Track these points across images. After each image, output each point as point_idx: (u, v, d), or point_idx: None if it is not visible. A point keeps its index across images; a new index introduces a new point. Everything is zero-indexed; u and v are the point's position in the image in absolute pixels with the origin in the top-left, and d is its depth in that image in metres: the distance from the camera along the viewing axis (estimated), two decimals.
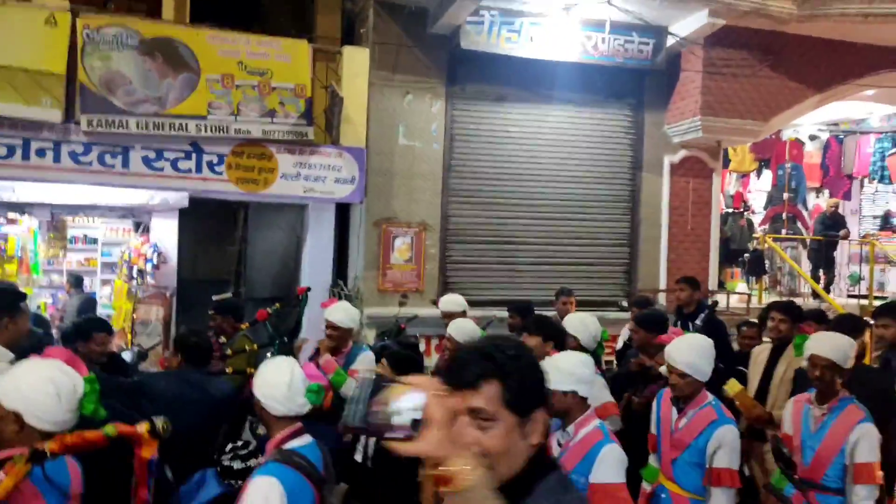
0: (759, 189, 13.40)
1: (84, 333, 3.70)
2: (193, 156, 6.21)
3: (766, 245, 10.67)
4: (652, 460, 3.49)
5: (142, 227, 7.57)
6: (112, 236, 8.32)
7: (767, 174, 12.89)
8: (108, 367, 3.76)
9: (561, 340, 3.84)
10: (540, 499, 1.28)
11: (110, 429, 2.08)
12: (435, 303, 6.33)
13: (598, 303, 7.93)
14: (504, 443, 1.28)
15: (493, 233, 8.12)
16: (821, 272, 10.89)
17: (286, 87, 6.31)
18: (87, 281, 7.93)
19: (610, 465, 2.58)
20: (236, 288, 8.07)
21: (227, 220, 8.14)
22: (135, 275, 7.29)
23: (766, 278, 10.68)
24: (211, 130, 6.10)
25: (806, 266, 11.25)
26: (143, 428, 2.18)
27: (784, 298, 9.14)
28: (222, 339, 4.81)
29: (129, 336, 7.17)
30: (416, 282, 7.71)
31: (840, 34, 8.10)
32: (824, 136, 13.00)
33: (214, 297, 4.93)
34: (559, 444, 2.81)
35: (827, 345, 3.34)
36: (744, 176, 13.16)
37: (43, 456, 1.87)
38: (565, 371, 2.78)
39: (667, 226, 8.51)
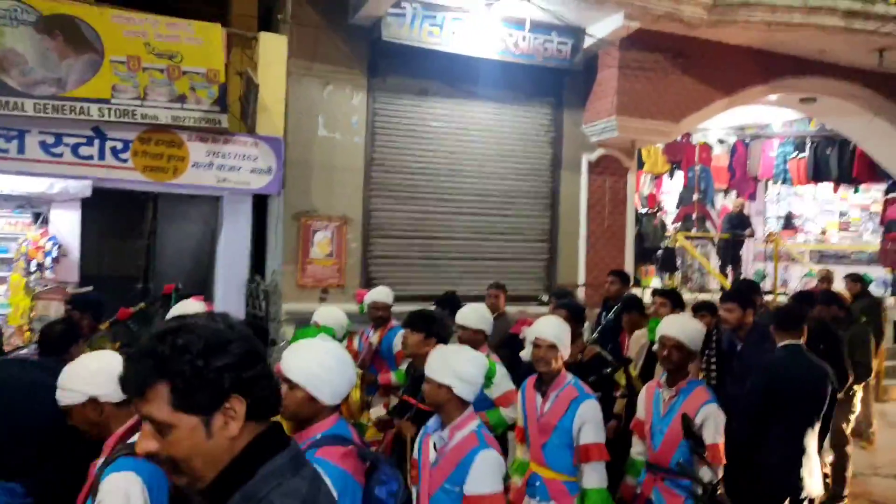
0: (671, 190, 13.96)
1: None
2: (96, 142, 5.86)
3: (678, 243, 11.10)
4: (520, 453, 3.48)
5: (41, 219, 7.08)
6: (9, 230, 7.72)
7: (679, 176, 13.44)
8: None
9: (444, 337, 3.65)
10: (261, 484, 1.16)
11: None
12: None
13: (519, 297, 8.00)
14: (187, 448, 1.17)
15: (416, 227, 8.07)
16: (728, 269, 11.42)
17: (198, 71, 6.05)
18: None
19: (484, 474, 2.42)
20: (144, 283, 7.68)
21: (134, 212, 7.74)
22: (33, 269, 6.80)
23: (678, 274, 11.11)
24: (115, 115, 5.77)
25: (715, 263, 11.78)
26: None
27: (695, 294, 9.54)
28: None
29: (28, 334, 6.69)
30: (338, 277, 7.56)
31: (746, 40, 8.52)
32: (731, 139, 13.68)
33: (71, 291, 4.67)
34: (435, 448, 2.64)
35: (676, 326, 3.43)
36: (657, 177, 13.67)
37: None
38: (444, 362, 2.59)
39: (585, 222, 8.70)
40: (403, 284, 7.91)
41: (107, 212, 7.27)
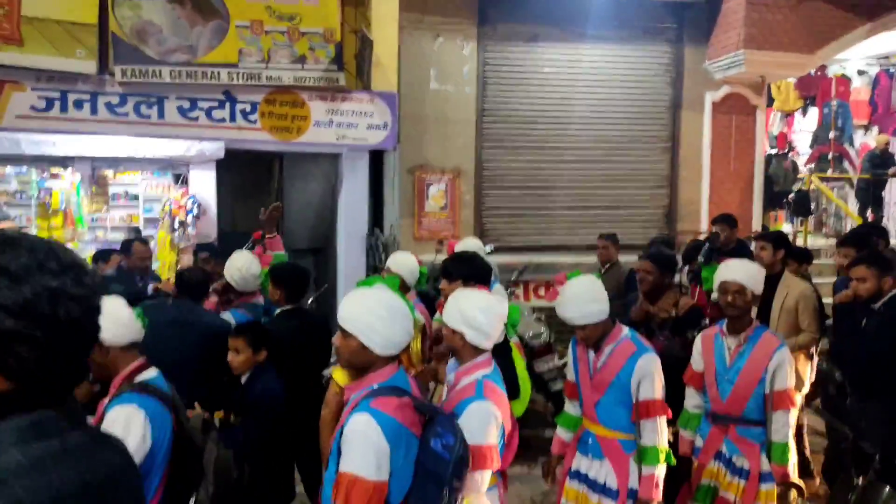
0: (804, 129, 12.94)
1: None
2: (227, 105, 6.22)
3: (812, 185, 10.33)
4: (569, 408, 3.32)
5: (181, 180, 7.65)
6: (152, 192, 8.40)
7: (813, 113, 12.42)
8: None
9: (474, 278, 3.37)
10: None
11: None
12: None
13: (637, 247, 7.80)
14: None
15: (529, 177, 8.02)
16: (869, 212, 10.53)
17: (315, 31, 6.24)
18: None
19: (472, 426, 2.28)
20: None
21: (263, 172, 8.19)
22: (176, 227, 7.40)
23: (811, 220, 10.38)
24: (243, 78, 6.09)
25: (853, 206, 10.89)
26: None
27: (831, 240, 8.90)
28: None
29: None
30: (452, 229, 7.69)
31: None
32: (873, 70, 12.42)
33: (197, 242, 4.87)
34: (447, 388, 2.62)
35: (737, 270, 3.25)
36: (788, 115, 12.71)
37: None
38: (456, 308, 2.50)
39: (708, 166, 8.29)
40: (516, 235, 7.94)
41: (239, 172, 7.74)
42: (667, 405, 2.95)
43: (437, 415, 2.04)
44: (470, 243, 5.18)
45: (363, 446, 1.89)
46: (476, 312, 2.45)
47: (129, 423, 2.19)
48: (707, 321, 3.92)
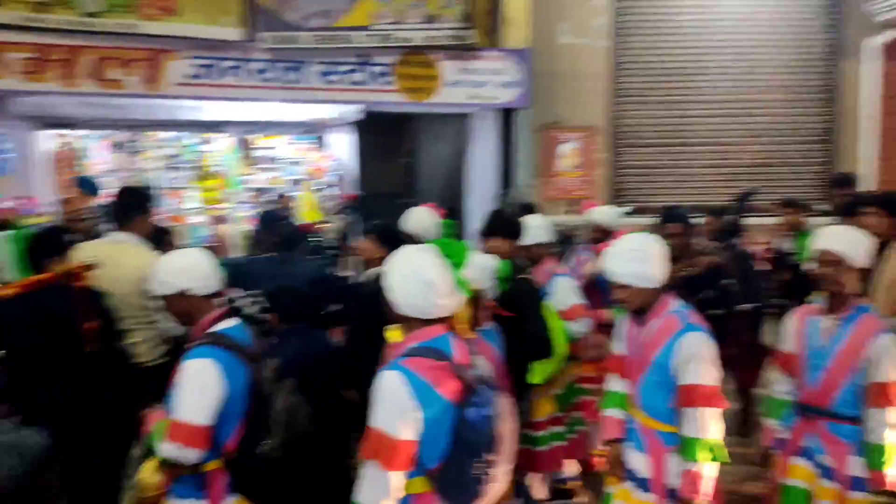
0: None
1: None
2: (364, 67, 6.38)
3: None
4: (617, 385, 2.94)
5: (322, 142, 7.99)
6: (294, 155, 8.83)
7: None
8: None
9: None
10: None
11: (58, 267, 2.88)
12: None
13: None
14: None
15: (667, 134, 7.64)
16: None
17: None
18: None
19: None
20: (407, 199, 8.35)
21: (396, 134, 8.38)
22: (318, 187, 7.77)
23: None
24: (376, 41, 6.21)
25: None
26: (78, 264, 2.92)
27: None
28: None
29: None
30: (585, 188, 7.50)
31: None
32: None
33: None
34: None
35: (836, 238, 2.79)
36: None
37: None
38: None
39: (876, 118, 7.47)
40: (654, 195, 7.61)
41: (375, 134, 7.96)
42: (720, 395, 2.53)
43: (480, 384, 2.00)
44: (604, 213, 5.07)
45: (389, 403, 1.89)
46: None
47: (203, 379, 2.30)
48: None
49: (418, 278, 1.98)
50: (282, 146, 8.53)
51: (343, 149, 7.67)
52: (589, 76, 7.30)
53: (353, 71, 6.36)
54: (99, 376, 3.05)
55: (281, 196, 7.56)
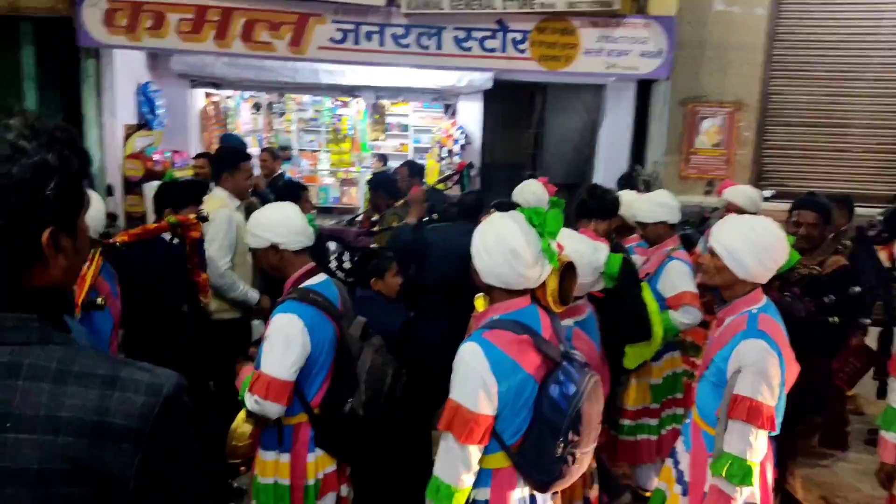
0: None
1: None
2: (499, 34, 6.26)
3: None
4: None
5: (450, 110, 8.01)
6: (422, 123, 8.93)
7: None
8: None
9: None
10: None
11: (171, 218, 2.92)
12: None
13: None
14: None
15: (823, 113, 7.01)
16: None
17: None
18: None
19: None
20: (532, 171, 8.22)
21: (525, 103, 8.22)
22: (444, 155, 7.81)
23: None
24: (517, 6, 6.06)
25: None
26: (192, 216, 2.96)
27: None
28: (374, 217, 4.81)
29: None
30: (725, 168, 7.04)
31: None
32: None
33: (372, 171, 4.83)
34: None
35: None
36: None
37: (113, 247, 2.59)
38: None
39: None
40: (802, 180, 7.03)
41: (502, 103, 7.88)
42: (769, 415, 2.16)
43: (565, 361, 1.87)
44: (742, 193, 4.63)
45: (467, 376, 1.81)
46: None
47: (288, 334, 2.32)
48: (858, 289, 3.19)
49: (504, 246, 1.85)
50: (412, 114, 8.63)
51: (470, 117, 7.63)
52: (741, 47, 6.79)
53: (487, 38, 6.26)
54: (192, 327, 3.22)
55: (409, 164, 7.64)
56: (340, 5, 6.05)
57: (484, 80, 7.13)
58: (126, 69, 6.58)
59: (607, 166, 7.39)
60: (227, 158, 3.73)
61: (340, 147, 8.34)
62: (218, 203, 3.54)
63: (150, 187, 5.85)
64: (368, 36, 6.18)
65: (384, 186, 4.91)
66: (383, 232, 4.33)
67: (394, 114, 8.87)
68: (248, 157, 3.79)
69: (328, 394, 2.46)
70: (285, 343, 2.32)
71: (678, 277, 3.44)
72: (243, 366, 2.53)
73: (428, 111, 8.64)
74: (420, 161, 8.22)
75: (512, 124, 8.47)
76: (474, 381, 1.80)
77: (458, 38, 6.26)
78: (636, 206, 3.75)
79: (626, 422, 3.51)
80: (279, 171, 5.93)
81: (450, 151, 7.80)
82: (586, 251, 2.43)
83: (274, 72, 7.25)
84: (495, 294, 1.94)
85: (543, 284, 1.91)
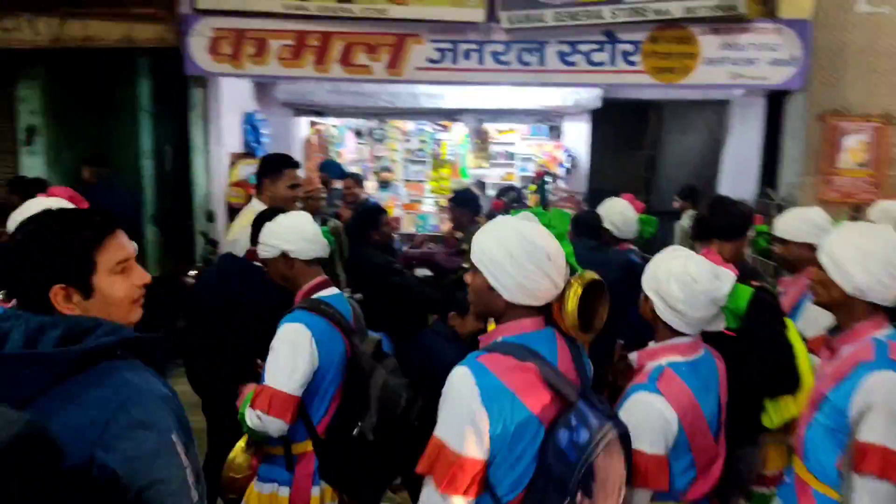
0: None
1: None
2: (607, 46, 5.82)
3: None
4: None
5: (555, 132, 7.59)
6: (527, 150, 8.55)
7: None
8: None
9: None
10: None
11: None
12: None
13: None
14: None
15: None
16: None
17: None
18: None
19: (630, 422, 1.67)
20: (646, 196, 7.59)
21: (638, 123, 7.66)
22: (548, 180, 7.37)
23: None
24: (626, 14, 5.59)
25: None
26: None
27: None
28: (458, 234, 4.63)
29: None
30: (873, 192, 6.12)
31: None
32: None
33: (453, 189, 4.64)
34: None
35: None
36: None
37: None
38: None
39: None
40: None
41: (612, 124, 7.37)
42: None
43: (581, 400, 1.48)
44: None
45: (454, 408, 1.46)
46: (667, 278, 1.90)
47: (295, 344, 2.16)
48: None
49: (536, 251, 1.53)
50: (519, 141, 8.27)
51: (577, 140, 7.18)
52: (891, 53, 5.93)
53: (595, 51, 5.82)
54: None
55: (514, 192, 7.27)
56: (438, 24, 5.84)
57: (592, 98, 6.67)
58: (232, 98, 6.71)
59: (733, 190, 6.63)
60: (270, 163, 3.53)
61: (440, 173, 8.11)
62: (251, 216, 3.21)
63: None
64: (467, 54, 5.93)
65: (467, 203, 4.73)
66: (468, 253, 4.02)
67: (500, 142, 8.57)
68: (296, 164, 3.54)
69: (336, 416, 2.22)
70: (292, 353, 2.15)
71: (824, 314, 2.80)
72: (245, 385, 2.34)
73: (535, 139, 8.26)
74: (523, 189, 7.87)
75: (623, 146, 7.91)
76: (461, 414, 1.45)
77: (562, 53, 5.87)
78: (779, 219, 3.15)
79: (764, 490, 2.86)
80: (364, 197, 5.76)
81: (553, 175, 7.35)
82: (702, 276, 1.90)
83: (374, 97, 7.17)
84: (509, 312, 1.59)
85: (560, 303, 1.57)
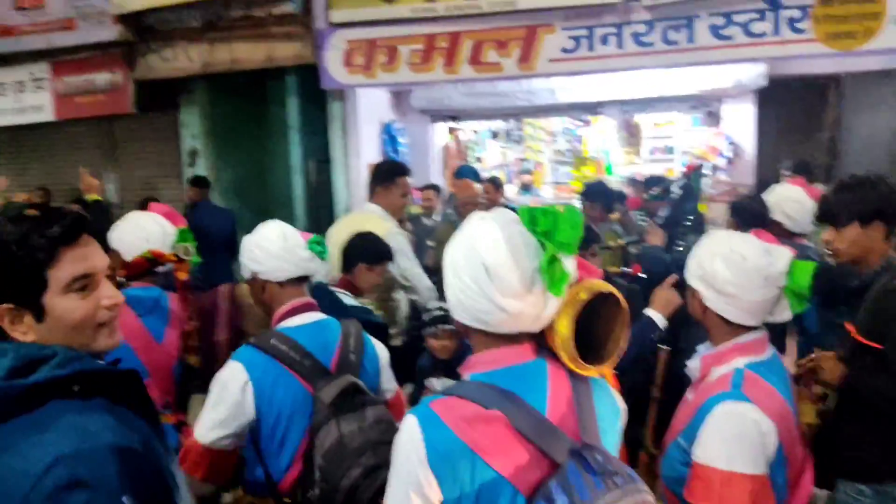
0: None
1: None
2: (770, 14, 5.08)
3: None
4: None
5: (713, 118, 6.82)
6: (689, 144, 7.79)
7: None
8: None
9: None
10: None
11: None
12: None
13: None
14: None
15: None
16: None
17: None
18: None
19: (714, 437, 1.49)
20: (827, 182, 6.59)
21: (812, 102, 6.67)
22: (706, 172, 6.63)
23: None
24: None
25: None
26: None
27: None
28: None
29: None
30: None
31: None
32: None
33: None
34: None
35: None
36: None
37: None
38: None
39: None
40: None
41: (783, 104, 6.47)
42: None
43: (573, 460, 1.09)
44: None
45: (396, 470, 1.15)
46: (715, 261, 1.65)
47: (225, 385, 1.77)
48: None
49: (473, 261, 1.17)
50: (679, 133, 7.55)
51: (740, 123, 6.39)
52: None
53: (754, 20, 5.11)
54: None
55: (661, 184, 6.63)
56: (571, 10, 5.44)
57: (755, 76, 5.89)
58: (370, 110, 6.76)
59: None
60: (383, 171, 3.52)
61: (583, 171, 7.62)
62: (373, 220, 3.22)
63: None
64: (604, 40, 5.47)
65: (600, 197, 4.26)
66: (602, 251, 3.59)
67: (655, 136, 7.90)
68: (406, 171, 3.53)
69: (302, 476, 1.77)
70: (216, 400, 1.78)
71: None
72: None
73: (696, 130, 7.48)
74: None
75: (796, 130, 6.92)
76: (404, 480, 1.13)
77: (714, 27, 5.23)
78: None
79: None
80: (501, 202, 5.48)
81: (714, 167, 6.58)
82: (752, 252, 1.63)
83: (510, 97, 6.90)
84: (476, 340, 1.23)
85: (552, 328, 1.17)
